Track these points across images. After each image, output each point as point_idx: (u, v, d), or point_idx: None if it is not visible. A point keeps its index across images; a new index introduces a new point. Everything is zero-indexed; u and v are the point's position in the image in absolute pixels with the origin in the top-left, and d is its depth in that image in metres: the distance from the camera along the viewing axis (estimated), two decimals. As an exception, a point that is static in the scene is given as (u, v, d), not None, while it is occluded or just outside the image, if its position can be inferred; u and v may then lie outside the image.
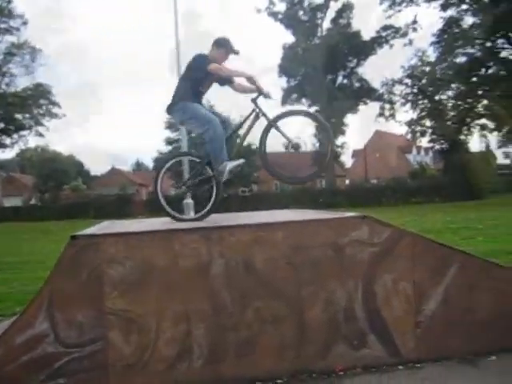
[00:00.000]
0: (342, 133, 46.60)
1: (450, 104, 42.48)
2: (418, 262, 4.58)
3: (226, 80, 5.76)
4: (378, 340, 4.49)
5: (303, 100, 46.85)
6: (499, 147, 50.60)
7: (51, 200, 48.40)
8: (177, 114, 5.59)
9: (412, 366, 4.45)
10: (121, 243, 4.29)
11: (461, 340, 4.61)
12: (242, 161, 5.45)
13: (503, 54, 36.89)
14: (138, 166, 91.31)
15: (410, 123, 43.89)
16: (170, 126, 39.41)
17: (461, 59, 38.53)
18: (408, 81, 43.48)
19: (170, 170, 5.78)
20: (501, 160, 55.36)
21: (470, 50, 37.71)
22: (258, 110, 5.45)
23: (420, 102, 43.52)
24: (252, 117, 5.48)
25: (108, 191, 50.59)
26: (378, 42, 45.56)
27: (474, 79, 38.04)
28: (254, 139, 5.68)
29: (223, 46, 5.58)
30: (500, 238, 12.17)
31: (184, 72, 5.64)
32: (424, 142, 47.28)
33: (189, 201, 14.03)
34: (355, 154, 65.92)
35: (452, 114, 42.08)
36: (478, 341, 4.64)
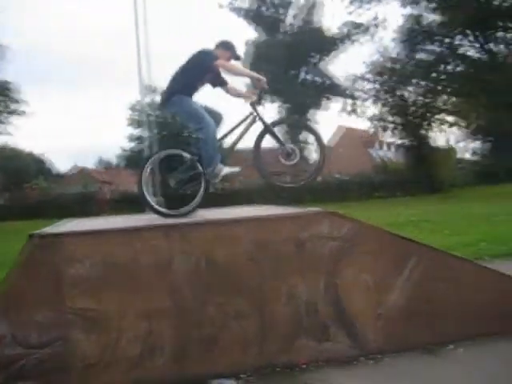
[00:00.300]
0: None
1: (411, 99, 43.12)
2: (379, 254, 4.65)
3: (220, 81, 5.74)
4: (340, 333, 4.54)
5: (266, 95, 46.87)
6: (459, 142, 51.54)
7: (11, 199, 47.32)
8: (172, 106, 5.52)
9: (374, 357, 4.52)
10: (80, 241, 4.24)
11: (421, 330, 4.70)
12: (237, 169, 5.46)
13: (461, 50, 37.59)
14: (102, 164, 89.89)
15: (372, 118, 44.36)
16: (133, 123, 38.90)
17: (421, 55, 39.14)
18: (370, 76, 43.93)
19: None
20: (461, 154, 56.47)
21: (430, 47, 38.32)
22: (255, 114, 5.44)
23: (382, 98, 44.03)
24: (249, 120, 5.45)
25: (71, 189, 49.71)
26: (341, 38, 45.88)
27: (434, 75, 38.66)
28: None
29: (229, 49, 5.57)
30: (460, 231, 12.41)
31: (184, 65, 5.51)
32: (386, 136, 47.86)
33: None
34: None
35: (413, 109, 42.73)
36: (437, 331, 4.74)
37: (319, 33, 45.77)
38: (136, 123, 37.72)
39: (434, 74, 38.42)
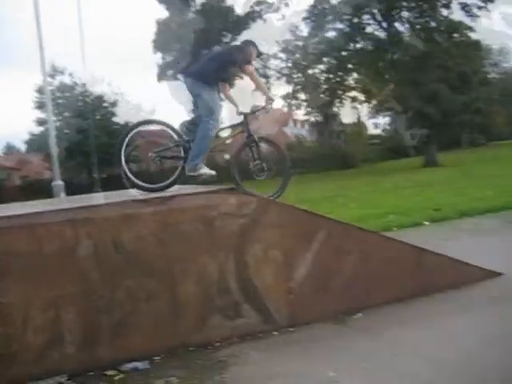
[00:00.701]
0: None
1: (322, 78, 43.86)
2: (287, 230, 4.73)
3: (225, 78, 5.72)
4: (252, 309, 4.60)
5: (180, 76, 46.14)
6: (369, 118, 53.07)
7: None
8: (197, 85, 5.33)
9: (286, 330, 4.62)
10: (-22, 231, 4.03)
11: (330, 301, 4.85)
12: (214, 173, 5.34)
13: (369, 29, 38.50)
14: (9, 149, 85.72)
15: (285, 97, 44.82)
16: (40, 106, 37.33)
17: (331, 34, 39.79)
18: (282, 55, 44.26)
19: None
20: (371, 130, 58.29)
21: (339, 26, 39.01)
22: (245, 125, 5.52)
23: (294, 76, 44.52)
24: (238, 130, 5.57)
25: (-24, 178, 47.27)
26: (252, 16, 45.81)
27: (344, 53, 39.42)
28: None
29: (255, 47, 5.65)
30: (371, 204, 12.87)
31: (225, 54, 5.61)
32: (300, 114, 48.58)
33: (59, 183, 13.74)
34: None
35: (325, 87, 43.51)
36: (346, 301, 4.91)
37: (230, 12, 45.49)
38: (44, 106, 36.26)
39: (343, 53, 39.17)
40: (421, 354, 3.94)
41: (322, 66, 42.69)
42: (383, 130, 57.92)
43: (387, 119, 54.04)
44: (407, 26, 37.18)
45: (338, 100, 43.54)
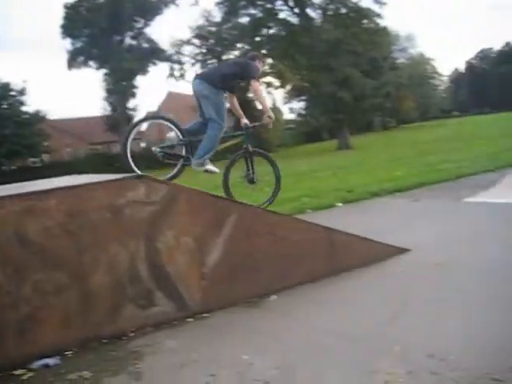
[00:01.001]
0: (133, 95, 45.54)
1: (237, 63, 43.87)
2: (197, 216, 4.72)
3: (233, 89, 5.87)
4: (165, 296, 4.56)
5: (91, 62, 44.85)
6: (285, 103, 53.83)
7: None
8: (205, 87, 5.48)
9: (200, 316, 4.62)
10: None
11: (244, 285, 4.90)
12: (217, 170, 5.69)
13: (282, 15, 38.85)
14: None
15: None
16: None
17: (244, 19, 39.81)
18: (196, 41, 43.88)
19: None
20: (287, 115, 59.18)
21: (252, 11, 39.08)
22: (245, 136, 5.94)
23: (209, 62, 44.28)
24: (237, 140, 5.97)
25: None
26: (165, 1, 45.10)
27: (258, 39, 39.58)
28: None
29: (261, 60, 5.92)
30: (286, 187, 12.97)
31: (236, 66, 5.70)
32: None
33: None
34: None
35: (240, 72, 43.58)
36: (259, 284, 4.98)
37: (142, -4, 44.52)
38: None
39: (257, 38, 39.32)
40: (332, 331, 4.06)
41: (236, 52, 42.73)
42: (299, 115, 58.88)
43: (302, 104, 54.97)
44: (319, 12, 37.79)
45: (252, 85, 43.73)
